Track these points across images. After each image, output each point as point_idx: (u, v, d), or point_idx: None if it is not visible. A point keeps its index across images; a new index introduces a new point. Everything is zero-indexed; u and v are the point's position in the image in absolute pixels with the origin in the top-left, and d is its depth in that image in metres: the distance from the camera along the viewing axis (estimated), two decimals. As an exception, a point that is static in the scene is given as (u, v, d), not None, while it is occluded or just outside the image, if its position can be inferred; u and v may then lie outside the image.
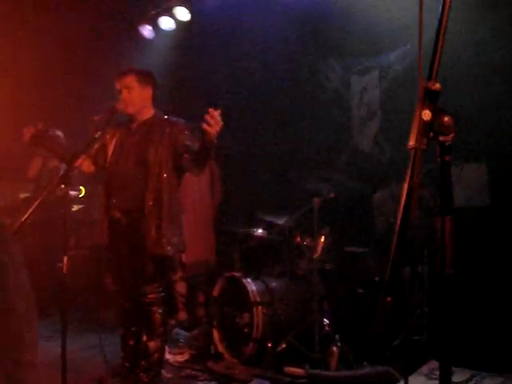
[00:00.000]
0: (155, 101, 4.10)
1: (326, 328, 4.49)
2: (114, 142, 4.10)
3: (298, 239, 4.80)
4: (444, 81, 1.70)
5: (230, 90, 6.43)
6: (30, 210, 3.58)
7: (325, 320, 4.53)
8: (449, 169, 1.77)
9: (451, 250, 1.79)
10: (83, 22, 6.47)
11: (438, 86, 1.70)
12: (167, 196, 3.87)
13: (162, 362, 4.01)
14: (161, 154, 3.89)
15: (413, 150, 1.73)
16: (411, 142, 1.76)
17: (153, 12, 6.63)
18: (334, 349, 4.27)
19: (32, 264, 6.14)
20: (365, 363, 4.20)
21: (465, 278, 3.49)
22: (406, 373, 3.77)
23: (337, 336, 4.35)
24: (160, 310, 3.91)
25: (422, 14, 1.71)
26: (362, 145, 5.69)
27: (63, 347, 3.57)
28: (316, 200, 4.64)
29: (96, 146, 4.11)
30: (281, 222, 5.01)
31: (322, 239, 4.69)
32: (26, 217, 3.56)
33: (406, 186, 1.71)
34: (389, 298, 1.72)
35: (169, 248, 3.84)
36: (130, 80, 3.98)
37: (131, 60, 6.41)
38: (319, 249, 4.68)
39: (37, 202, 3.59)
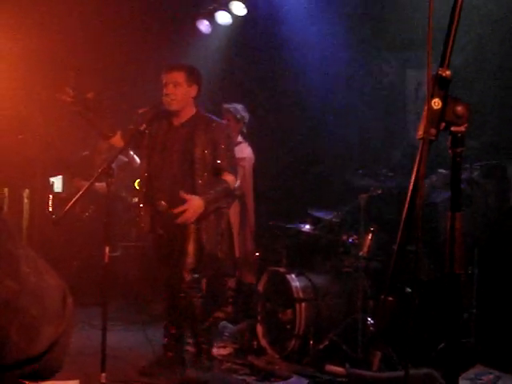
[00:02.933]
0: (198, 99, 4.14)
1: (370, 327, 4.38)
2: (152, 134, 4.13)
3: (345, 236, 4.71)
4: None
5: (286, 85, 6.40)
6: (73, 200, 3.69)
7: (369, 319, 4.43)
8: (460, 162, 1.68)
9: (462, 249, 1.70)
10: (141, 16, 6.59)
11: (448, 72, 1.61)
12: (201, 189, 3.94)
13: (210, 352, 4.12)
14: (205, 154, 3.95)
15: (421, 141, 1.66)
16: (419, 132, 1.69)
17: (210, 7, 6.67)
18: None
19: (85, 253, 6.36)
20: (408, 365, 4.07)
21: None
22: (450, 376, 3.63)
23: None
24: (199, 299, 3.97)
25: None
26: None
27: (103, 335, 3.67)
28: (363, 196, 4.54)
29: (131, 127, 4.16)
30: (328, 217, 4.94)
31: (369, 236, 4.59)
32: (68, 206, 3.68)
33: (412, 177, 1.63)
34: (391, 298, 1.65)
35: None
36: (179, 76, 4.00)
37: (187, 54, 6.48)
38: (365, 246, 4.57)
39: (79, 194, 3.70)
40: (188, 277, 3.95)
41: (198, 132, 3.97)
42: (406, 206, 1.62)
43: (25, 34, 6.13)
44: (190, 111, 4.07)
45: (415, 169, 1.62)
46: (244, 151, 5.33)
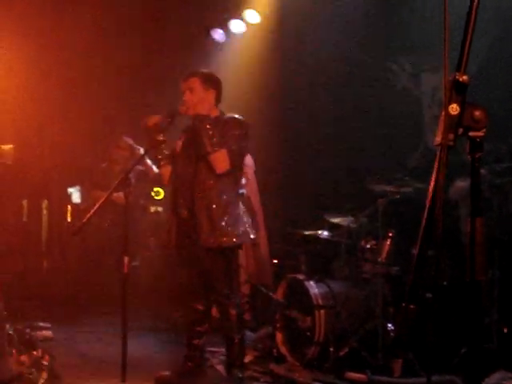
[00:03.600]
0: (220, 103, 4.12)
1: (391, 334, 4.35)
2: (180, 144, 4.17)
3: (363, 242, 4.69)
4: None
5: (299, 91, 6.40)
6: (92, 211, 3.72)
7: (389, 325, 4.40)
8: (479, 167, 1.66)
9: (483, 255, 1.68)
10: (155, 27, 6.64)
11: (465, 77, 1.60)
12: (214, 191, 3.89)
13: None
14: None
15: (439, 147, 1.65)
16: (437, 138, 1.68)
17: (224, 16, 6.71)
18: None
19: (104, 263, 6.40)
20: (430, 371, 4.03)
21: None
22: (472, 382, 3.60)
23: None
24: (235, 310, 3.96)
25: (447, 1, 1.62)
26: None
27: (124, 344, 3.69)
28: (380, 201, 4.53)
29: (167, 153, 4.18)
30: (346, 223, 4.92)
31: (388, 242, 4.56)
32: (87, 217, 3.71)
33: (431, 184, 1.62)
34: (412, 306, 1.64)
35: (224, 239, 3.87)
36: (193, 82, 4.00)
37: (202, 63, 6.50)
38: (384, 252, 4.55)
39: (97, 205, 3.73)
40: (224, 289, 3.95)
41: (215, 133, 3.90)
42: (426, 212, 1.61)
43: (45, 48, 6.22)
44: (211, 115, 4.07)
45: (434, 175, 1.61)
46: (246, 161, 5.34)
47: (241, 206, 4.05)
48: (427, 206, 1.61)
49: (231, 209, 3.93)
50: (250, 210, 4.93)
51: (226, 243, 3.88)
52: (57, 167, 7.49)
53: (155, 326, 5.71)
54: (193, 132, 3.99)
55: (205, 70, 4.17)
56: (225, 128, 3.95)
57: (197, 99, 3.98)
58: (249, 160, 5.42)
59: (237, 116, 4.04)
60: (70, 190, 8.08)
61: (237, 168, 4.01)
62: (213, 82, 4.05)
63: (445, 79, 1.61)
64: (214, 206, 3.87)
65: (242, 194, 4.16)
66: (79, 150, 7.31)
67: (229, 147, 3.85)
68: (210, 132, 3.83)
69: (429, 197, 1.62)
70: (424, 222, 1.61)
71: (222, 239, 3.86)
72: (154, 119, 3.95)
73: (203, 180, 3.92)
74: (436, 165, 1.62)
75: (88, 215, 3.70)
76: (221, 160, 3.85)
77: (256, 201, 5.50)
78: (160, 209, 7.65)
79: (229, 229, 3.88)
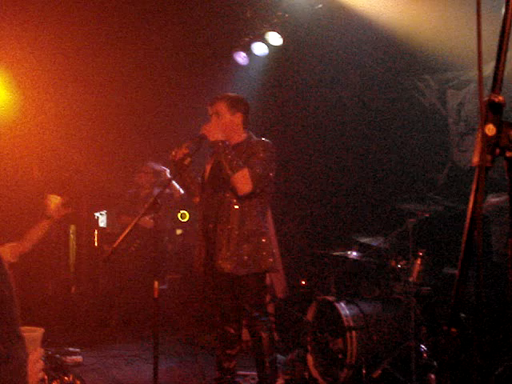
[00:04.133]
0: (248, 125, 4.13)
1: (424, 355, 4.28)
2: (208, 169, 4.19)
3: (393, 262, 4.64)
4: None
5: (323, 111, 6.40)
6: (122, 236, 3.74)
7: (422, 346, 4.33)
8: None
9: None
10: (178, 50, 6.72)
11: (501, 98, 1.59)
12: (237, 216, 3.89)
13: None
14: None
15: (476, 169, 1.63)
16: (475, 160, 1.66)
17: (246, 38, 6.76)
18: (432, 376, 4.06)
19: (132, 287, 6.41)
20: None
21: None
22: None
23: (435, 363, 4.14)
24: (266, 333, 3.94)
25: (481, 19, 1.61)
26: (462, 161, 5.44)
27: (155, 368, 3.67)
28: (410, 221, 4.48)
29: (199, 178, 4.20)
30: (375, 243, 4.88)
31: (418, 261, 4.51)
32: (117, 242, 3.72)
33: (469, 207, 1.60)
34: (454, 329, 1.61)
35: (238, 267, 3.87)
36: (220, 106, 4.03)
37: (226, 86, 6.55)
38: (415, 271, 4.50)
39: (127, 230, 3.74)
40: (254, 312, 3.93)
41: (236, 157, 3.88)
42: (465, 233, 1.59)
43: (73, 83, 6.32)
44: (239, 138, 4.06)
45: (472, 196, 1.59)
46: None
47: (266, 233, 4.01)
48: (466, 226, 1.59)
49: (253, 237, 3.92)
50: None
51: (240, 272, 3.88)
52: (84, 193, 7.57)
53: (185, 350, 5.69)
54: (214, 157, 4.03)
55: (231, 94, 4.18)
56: (250, 151, 3.95)
57: (224, 123, 4.00)
58: None
59: (263, 139, 4.05)
60: (97, 214, 8.15)
61: (262, 193, 3.99)
62: (239, 106, 4.07)
63: (480, 100, 1.59)
64: (236, 233, 3.88)
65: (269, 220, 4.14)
66: (105, 176, 7.39)
67: (251, 168, 3.85)
68: (229, 156, 3.82)
69: (467, 217, 1.61)
70: (464, 243, 1.59)
71: (236, 267, 3.86)
72: (182, 152, 3.94)
73: (227, 205, 3.93)
74: (474, 186, 1.60)
75: (118, 241, 3.71)
76: (242, 181, 3.83)
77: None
78: (185, 231, 7.68)
79: (245, 257, 3.87)
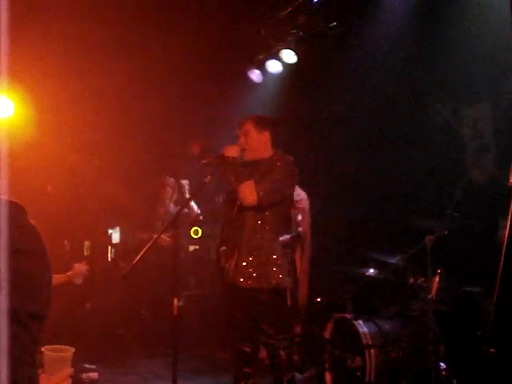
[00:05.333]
0: (275, 142, 4.20)
1: (443, 373, 4.25)
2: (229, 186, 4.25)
3: (411, 279, 4.63)
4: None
5: (337, 132, 6.43)
6: (141, 253, 3.76)
7: (441, 364, 4.30)
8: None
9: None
10: (193, 68, 6.77)
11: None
12: (248, 230, 3.95)
13: None
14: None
15: (512, 188, 1.63)
16: (511, 179, 1.67)
17: (260, 56, 6.81)
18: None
19: (150, 304, 6.41)
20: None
21: None
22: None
23: (455, 381, 4.11)
24: (285, 352, 3.92)
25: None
26: (478, 178, 5.43)
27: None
28: (429, 238, 4.46)
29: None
30: (393, 261, 4.86)
31: (437, 279, 4.49)
32: (137, 259, 3.74)
33: (508, 224, 1.60)
34: (493, 350, 1.61)
35: (240, 279, 3.91)
36: (248, 126, 4.14)
37: (239, 104, 6.60)
38: (434, 289, 4.47)
39: (147, 246, 3.76)
40: (270, 329, 3.93)
41: (260, 170, 3.99)
42: (503, 253, 1.59)
43: (89, 93, 6.38)
44: (266, 155, 4.12)
45: (510, 216, 1.59)
46: (300, 193, 5.34)
47: (278, 249, 3.99)
48: (504, 246, 1.60)
49: (260, 250, 3.94)
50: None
51: (242, 284, 3.92)
52: (98, 209, 7.60)
53: (201, 368, 5.68)
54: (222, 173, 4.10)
55: (259, 114, 4.33)
56: (270, 166, 4.01)
57: (251, 143, 4.09)
58: (303, 194, 5.43)
59: (285, 156, 4.11)
60: (110, 231, 8.17)
61: (277, 208, 4.01)
62: (266, 124, 4.17)
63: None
64: (244, 245, 3.95)
65: (281, 237, 4.12)
66: (119, 193, 7.43)
67: (257, 180, 3.91)
68: (237, 169, 3.95)
69: (505, 237, 1.61)
70: (501, 266, 1.59)
71: (238, 278, 3.92)
72: (199, 145, 4.09)
73: (238, 218, 4.01)
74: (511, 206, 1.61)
75: (137, 258, 3.74)
76: (246, 192, 3.91)
77: (308, 242, 5.47)
78: (197, 247, 7.70)
79: (249, 270, 3.91)
